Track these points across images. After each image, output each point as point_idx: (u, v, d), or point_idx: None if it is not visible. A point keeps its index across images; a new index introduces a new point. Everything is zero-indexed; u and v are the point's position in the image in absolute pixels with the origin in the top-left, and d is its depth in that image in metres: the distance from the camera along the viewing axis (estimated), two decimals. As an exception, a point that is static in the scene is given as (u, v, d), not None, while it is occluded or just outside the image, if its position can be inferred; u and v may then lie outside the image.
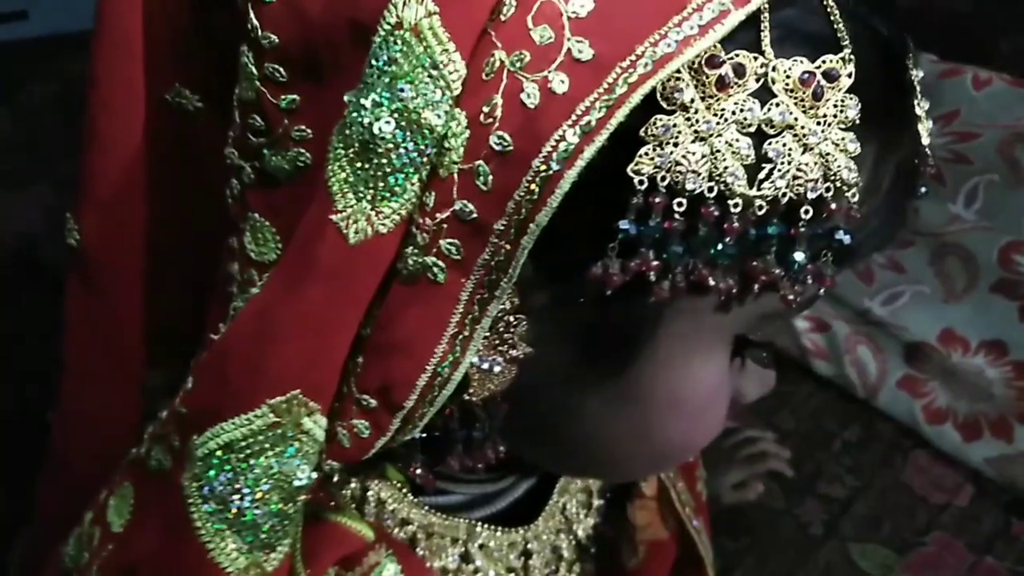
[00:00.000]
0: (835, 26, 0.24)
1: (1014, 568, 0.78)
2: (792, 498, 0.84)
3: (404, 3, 0.21)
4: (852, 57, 0.24)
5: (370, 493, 0.36)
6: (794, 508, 0.83)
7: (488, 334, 0.26)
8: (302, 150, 0.25)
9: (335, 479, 0.35)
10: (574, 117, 0.21)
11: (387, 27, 0.21)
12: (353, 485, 0.36)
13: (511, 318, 0.26)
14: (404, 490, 0.37)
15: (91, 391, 0.35)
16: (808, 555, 0.79)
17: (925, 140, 0.29)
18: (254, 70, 0.25)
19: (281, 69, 0.24)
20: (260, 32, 0.24)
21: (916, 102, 0.29)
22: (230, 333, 0.25)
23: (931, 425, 0.89)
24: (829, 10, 0.24)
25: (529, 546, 0.43)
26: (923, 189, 0.30)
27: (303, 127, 0.25)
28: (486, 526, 0.40)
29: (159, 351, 0.34)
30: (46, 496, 0.41)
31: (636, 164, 0.22)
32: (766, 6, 0.23)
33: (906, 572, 0.77)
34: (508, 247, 0.23)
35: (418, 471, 0.30)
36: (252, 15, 0.24)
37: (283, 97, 0.25)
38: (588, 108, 0.21)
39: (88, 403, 0.35)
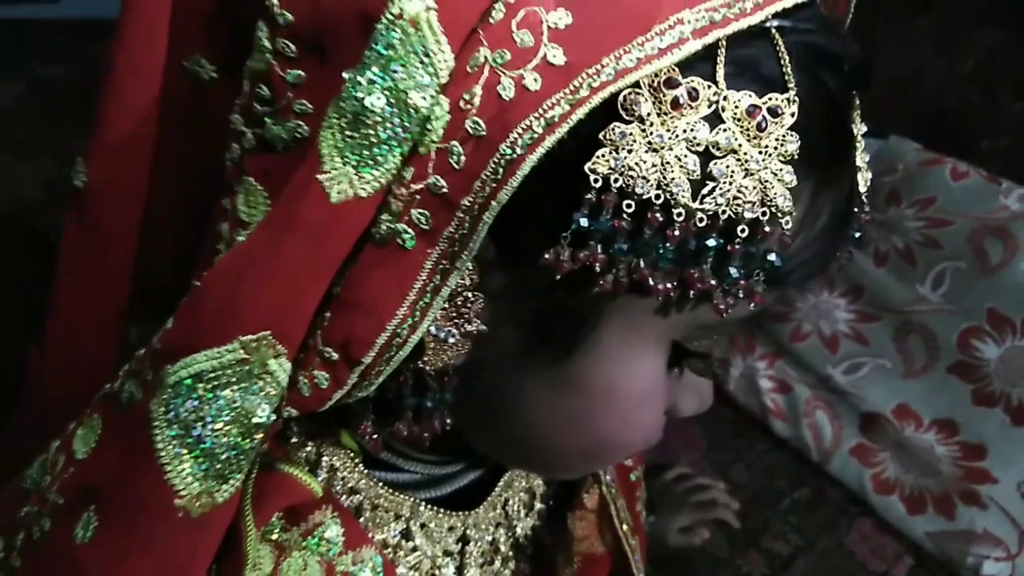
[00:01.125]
0: (784, 70, 0.27)
1: None
2: (736, 549, 0.84)
3: None
4: (797, 99, 0.27)
5: (324, 459, 0.38)
6: (736, 558, 0.84)
7: (446, 306, 0.28)
8: (301, 123, 0.27)
9: (292, 440, 0.37)
10: (541, 111, 0.24)
11: (390, 16, 0.24)
12: (309, 448, 0.38)
13: (469, 294, 0.29)
14: (357, 460, 0.39)
15: (77, 331, 0.36)
16: None
17: (863, 187, 0.32)
18: (267, 44, 0.27)
19: (292, 45, 0.27)
20: (277, 8, 0.27)
21: (857, 152, 0.31)
22: (211, 274, 0.27)
23: (878, 495, 0.90)
24: (781, 56, 0.27)
25: (468, 532, 0.44)
26: (858, 234, 0.33)
27: (304, 101, 0.27)
28: (429, 507, 0.41)
29: (141, 306, 0.36)
30: (15, 431, 0.42)
31: (593, 163, 0.25)
32: (723, 43, 0.26)
33: None
34: (471, 222, 0.25)
35: (368, 431, 0.32)
36: None
37: (290, 71, 0.27)
38: (554, 104, 0.24)
39: (72, 342, 0.36)
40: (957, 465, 0.88)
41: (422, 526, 0.42)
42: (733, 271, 0.28)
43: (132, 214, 0.34)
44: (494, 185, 0.24)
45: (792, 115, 0.27)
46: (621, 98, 0.25)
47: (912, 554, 0.87)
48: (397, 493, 0.40)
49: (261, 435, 0.28)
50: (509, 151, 0.24)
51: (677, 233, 0.26)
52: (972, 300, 0.92)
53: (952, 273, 0.94)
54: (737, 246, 0.27)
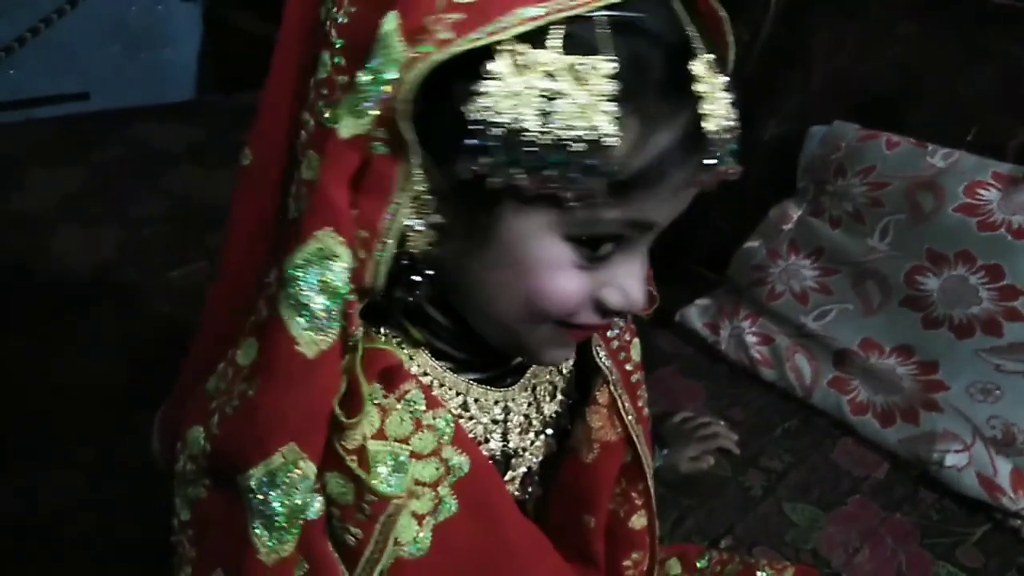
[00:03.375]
0: (605, 39, 0.38)
1: (918, 522, 0.93)
2: (737, 469, 0.98)
3: (387, 19, 0.37)
4: (615, 59, 0.37)
5: (404, 348, 0.50)
6: (738, 476, 0.97)
7: (412, 205, 0.41)
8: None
9: (381, 338, 0.49)
10: (439, 44, 0.37)
11: (383, 29, 0.38)
12: (394, 341, 0.50)
13: (425, 196, 0.41)
14: (426, 352, 0.51)
15: (242, 263, 0.50)
16: (749, 510, 0.92)
17: (711, 127, 0.40)
18: (328, 61, 0.41)
19: (343, 61, 0.41)
20: (334, 37, 0.41)
21: (703, 100, 0.40)
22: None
23: (855, 415, 1.04)
24: (602, 32, 0.38)
25: (508, 404, 0.55)
26: (710, 161, 0.41)
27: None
28: (478, 384, 0.53)
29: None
30: (187, 370, 0.56)
31: (475, 105, 0.37)
32: (564, 27, 0.37)
33: (830, 524, 0.91)
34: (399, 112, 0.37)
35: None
36: (332, 30, 0.41)
37: (339, 77, 0.40)
38: (448, 41, 0.36)
39: (239, 271, 0.50)
40: (916, 381, 1.01)
41: (475, 400, 0.53)
42: (574, 176, 0.38)
43: (276, 179, 0.48)
44: (407, 87, 0.37)
45: (611, 70, 0.37)
46: (490, 62, 0.37)
47: (888, 460, 1.00)
48: (455, 374, 0.52)
49: (341, 301, 0.41)
50: (419, 63, 0.37)
51: (533, 150, 0.37)
52: (913, 244, 1.05)
53: (894, 225, 1.08)
54: (574, 158, 0.37)
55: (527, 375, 0.57)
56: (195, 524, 0.47)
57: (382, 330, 0.50)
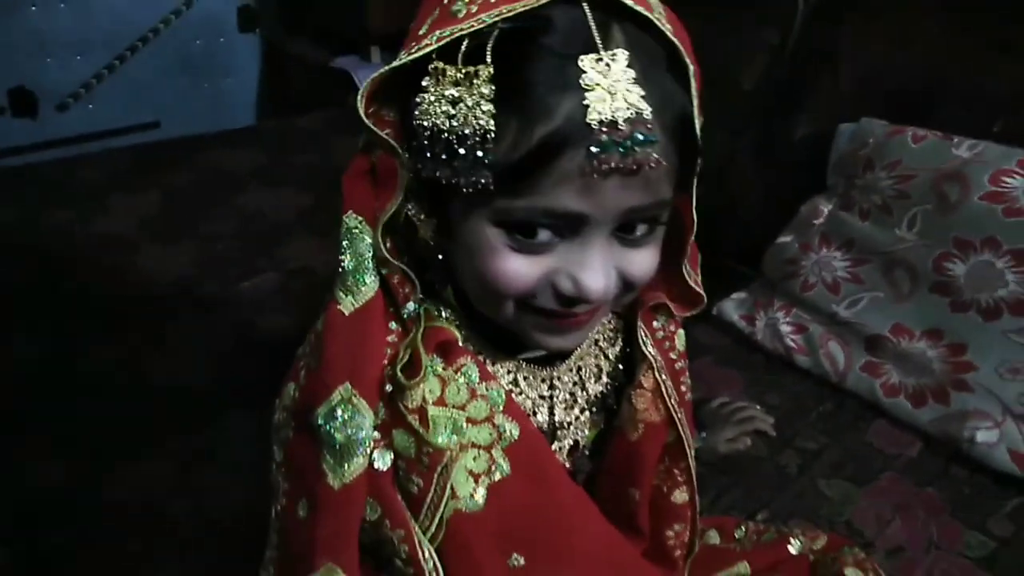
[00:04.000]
0: (485, 53, 0.45)
1: (950, 496, 0.97)
2: (773, 449, 1.02)
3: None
4: (491, 66, 0.44)
5: (461, 332, 0.57)
6: (775, 456, 1.02)
7: (413, 199, 0.51)
8: None
9: (437, 317, 0.57)
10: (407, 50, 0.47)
11: None
12: (450, 321, 0.58)
13: (418, 189, 0.50)
14: (478, 333, 0.58)
15: None
16: (785, 487, 0.98)
17: (593, 117, 0.43)
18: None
19: None
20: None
21: (589, 94, 0.43)
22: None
23: (888, 398, 1.08)
24: (486, 45, 0.45)
25: (554, 382, 0.61)
26: (594, 148, 0.44)
27: None
28: (526, 363, 0.60)
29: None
30: None
31: (414, 113, 0.47)
32: (467, 41, 0.45)
33: (863, 499, 0.95)
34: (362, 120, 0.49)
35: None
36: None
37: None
38: (411, 48, 0.47)
39: None
40: (946, 363, 1.05)
41: (524, 377, 0.60)
42: (467, 168, 0.45)
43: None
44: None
45: (488, 76, 0.44)
46: (429, 66, 0.46)
47: (920, 439, 1.04)
48: (506, 354, 0.58)
49: (364, 269, 0.52)
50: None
51: (437, 148, 0.46)
52: (939, 233, 1.09)
53: (921, 215, 1.12)
54: (469, 152, 0.45)
55: (573, 357, 0.63)
56: (285, 462, 0.57)
57: (443, 312, 0.58)
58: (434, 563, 0.54)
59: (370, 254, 0.52)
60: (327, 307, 0.54)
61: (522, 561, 0.58)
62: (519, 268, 0.49)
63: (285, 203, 1.74)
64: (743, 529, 0.89)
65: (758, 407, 1.08)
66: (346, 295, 0.53)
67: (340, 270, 0.53)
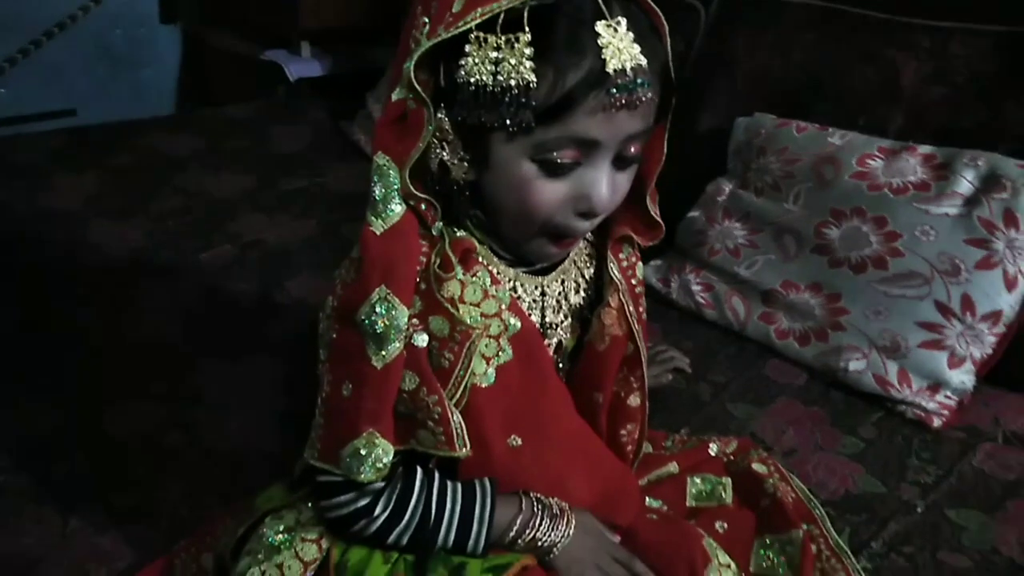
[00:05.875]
0: (529, 19, 0.57)
1: (830, 412, 1.18)
2: (690, 383, 1.20)
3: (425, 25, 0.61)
4: (528, 31, 0.57)
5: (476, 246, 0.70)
6: (691, 387, 1.19)
7: (445, 145, 0.63)
8: None
9: (456, 234, 0.71)
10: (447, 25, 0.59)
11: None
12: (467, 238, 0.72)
13: (451, 136, 0.63)
14: (486, 246, 0.71)
15: None
16: (700, 411, 1.16)
17: (613, 66, 0.57)
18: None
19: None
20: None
21: (606, 49, 0.57)
22: None
23: (780, 340, 1.28)
24: (523, 16, 0.57)
25: (544, 289, 0.74)
26: (613, 90, 0.58)
27: None
28: (524, 273, 0.73)
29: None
30: None
31: (458, 69, 0.59)
32: (503, 15, 0.57)
33: (764, 417, 1.14)
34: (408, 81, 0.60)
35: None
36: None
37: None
38: (449, 24, 0.58)
39: None
40: (825, 309, 1.26)
41: (521, 284, 0.72)
42: (513, 111, 0.57)
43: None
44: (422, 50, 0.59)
45: (528, 39, 0.57)
46: (470, 35, 0.58)
47: (806, 371, 1.25)
48: (509, 267, 0.71)
49: (390, 200, 0.64)
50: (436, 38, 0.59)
51: (487, 99, 0.58)
52: (819, 205, 1.30)
53: (804, 191, 1.33)
54: (513, 99, 0.57)
55: (558, 270, 0.75)
56: (331, 356, 0.69)
57: (460, 232, 0.70)
58: (459, 421, 0.68)
59: (397, 186, 0.64)
60: (363, 231, 0.65)
61: (519, 442, 0.74)
62: (548, 192, 0.64)
63: (227, 184, 1.80)
64: (670, 440, 1.07)
65: (676, 350, 1.26)
66: (376, 219, 0.64)
67: (372, 199, 0.64)
